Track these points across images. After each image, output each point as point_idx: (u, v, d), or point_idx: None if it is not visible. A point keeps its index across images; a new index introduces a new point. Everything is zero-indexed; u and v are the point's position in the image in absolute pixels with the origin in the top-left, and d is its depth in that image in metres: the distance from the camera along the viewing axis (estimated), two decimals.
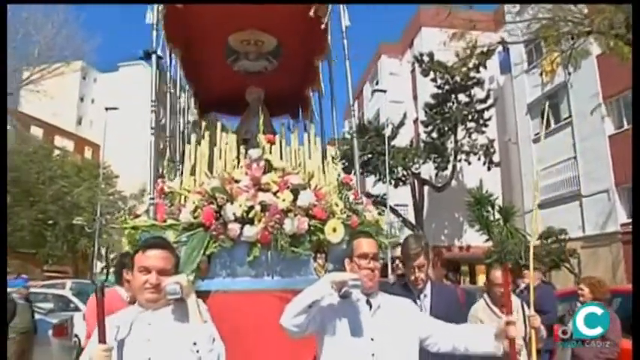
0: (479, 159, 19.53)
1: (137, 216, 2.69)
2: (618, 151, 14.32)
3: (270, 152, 2.75)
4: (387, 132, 19.87)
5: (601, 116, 13.49)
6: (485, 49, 13.09)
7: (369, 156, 19.40)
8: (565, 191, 17.20)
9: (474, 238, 18.78)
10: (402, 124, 22.08)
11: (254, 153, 2.66)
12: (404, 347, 1.90)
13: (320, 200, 2.55)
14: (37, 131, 31.27)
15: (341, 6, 3.20)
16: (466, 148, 19.66)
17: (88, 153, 39.13)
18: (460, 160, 19.96)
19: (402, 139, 21.55)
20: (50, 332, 6.77)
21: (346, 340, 1.84)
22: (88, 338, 2.18)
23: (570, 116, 17.19)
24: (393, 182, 20.41)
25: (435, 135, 20.23)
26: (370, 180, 22.63)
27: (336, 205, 2.63)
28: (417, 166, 20.80)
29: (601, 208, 15.41)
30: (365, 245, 1.98)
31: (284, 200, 2.45)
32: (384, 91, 22.07)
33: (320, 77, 4.12)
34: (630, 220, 14.66)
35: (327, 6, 3.22)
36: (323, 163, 2.96)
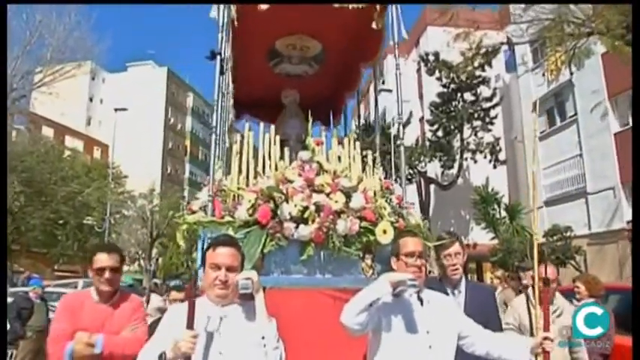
0: (485, 157, 19.57)
1: (193, 212, 2.73)
2: (624, 148, 14.29)
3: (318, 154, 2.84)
4: (393, 131, 19.97)
5: (601, 114, 13.48)
6: (490, 49, 13.16)
7: (374, 155, 19.55)
8: (571, 189, 17.21)
9: (481, 236, 18.97)
10: (407, 122, 22.15)
11: (304, 155, 2.77)
12: (452, 339, 1.98)
13: (369, 203, 2.65)
14: (47, 131, 31.72)
15: (396, 18, 3.21)
16: (472, 146, 19.71)
17: (96, 153, 39.62)
18: (466, 159, 20.01)
19: (408, 138, 21.63)
20: None
21: (404, 335, 1.90)
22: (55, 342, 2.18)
23: (576, 114, 17.18)
24: (398, 181, 20.49)
25: (440, 134, 20.30)
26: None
27: (384, 208, 2.72)
28: (422, 164, 20.88)
29: (607, 206, 15.42)
30: (411, 243, 2.05)
31: (337, 202, 2.54)
32: (390, 91, 22.15)
33: (361, 83, 4.25)
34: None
35: (385, 16, 3.27)
36: (364, 167, 3.05)
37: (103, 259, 2.29)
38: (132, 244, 27.32)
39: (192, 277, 1.89)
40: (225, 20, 3.03)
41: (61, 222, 22.83)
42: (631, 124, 14.85)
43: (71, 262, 25.41)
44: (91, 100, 45.75)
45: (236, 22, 3.10)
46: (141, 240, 27.51)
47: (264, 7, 3.09)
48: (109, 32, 53.46)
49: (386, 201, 2.83)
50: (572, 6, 9.52)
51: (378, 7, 3.22)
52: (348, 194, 2.61)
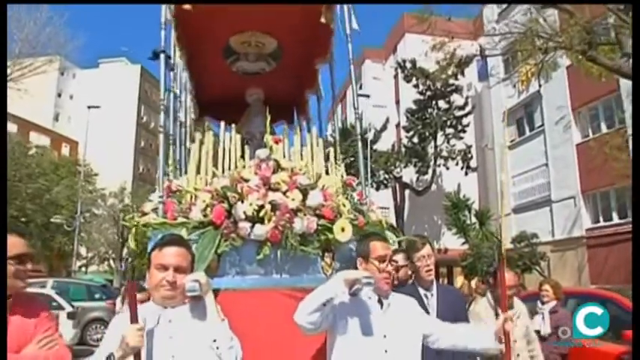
0: (457, 164, 20.13)
1: (144, 214, 2.66)
2: (584, 159, 15.06)
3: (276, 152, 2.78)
4: (370, 136, 20.27)
5: (563, 126, 14.21)
6: (463, 58, 13.61)
7: (352, 159, 19.81)
8: (537, 197, 17.93)
9: (452, 241, 19.46)
10: (384, 128, 22.55)
11: (262, 153, 2.69)
12: (412, 343, 1.95)
13: (328, 200, 2.57)
14: (11, 127, 30.53)
15: (348, 9, 3.18)
16: (445, 153, 20.25)
17: (65, 150, 38.39)
18: (439, 165, 20.54)
19: (385, 143, 22.01)
20: None
21: (359, 338, 1.86)
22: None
23: (543, 124, 17.94)
24: (374, 185, 20.83)
25: (415, 140, 20.77)
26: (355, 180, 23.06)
27: (343, 205, 2.64)
28: (398, 170, 21.29)
29: (568, 214, 16.17)
30: (381, 248, 2.00)
31: (294, 200, 2.46)
32: (368, 96, 22.52)
33: (319, 80, 4.09)
34: (594, 226, 15.47)
35: (334, 10, 3.20)
36: (326, 164, 2.99)
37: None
38: (102, 243, 26.61)
39: (131, 274, 1.86)
40: (168, 18, 2.97)
41: (23, 220, 22.02)
42: (591, 135, 15.70)
43: (35, 262, 24.52)
44: (59, 95, 44.34)
45: (173, 21, 3.05)
46: (111, 240, 26.84)
47: (187, 6, 3.01)
48: (83, 28, 51.74)
49: (346, 198, 2.76)
50: (541, 20, 10.01)
51: None
52: (305, 192, 2.53)
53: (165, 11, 2.94)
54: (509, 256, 12.77)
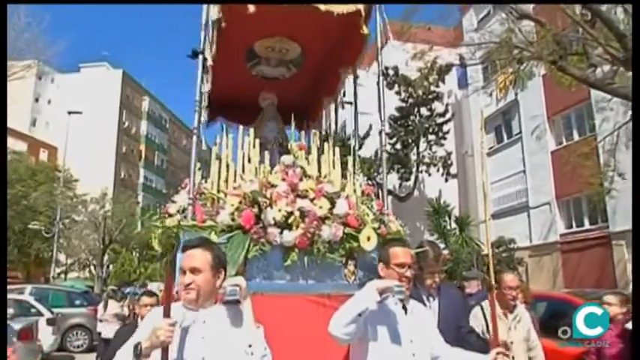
0: (437, 170, 20.49)
1: (170, 215, 2.66)
2: (559, 166, 15.57)
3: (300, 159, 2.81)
4: (353, 142, 20.45)
5: (539, 133, 14.68)
6: (443, 67, 13.96)
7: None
8: (515, 202, 18.43)
9: None
10: (367, 135, 22.80)
11: (286, 159, 2.74)
12: (430, 347, 2.05)
13: (352, 209, 2.62)
14: None
15: (380, 20, 3.27)
16: (427, 159, 20.58)
17: (43, 155, 37.64)
18: (421, 172, 20.86)
19: (368, 150, 22.24)
20: (15, 336, 6.75)
21: (389, 344, 1.93)
22: None
23: (520, 132, 18.46)
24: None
25: (398, 146, 21.06)
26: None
27: (367, 214, 2.70)
28: (381, 176, 21.50)
29: (544, 220, 16.66)
30: (402, 254, 2.06)
31: (321, 207, 2.50)
32: (351, 103, 22.72)
33: (339, 87, 4.13)
34: (567, 231, 15.97)
35: (369, 20, 3.26)
36: (345, 172, 3.01)
37: None
38: (82, 250, 26.12)
39: (169, 276, 1.82)
40: (212, 19, 2.96)
41: None
42: (564, 143, 16.26)
43: (10, 268, 23.96)
44: (37, 100, 43.49)
45: (223, 23, 3.04)
46: (92, 246, 26.37)
47: (252, 8, 2.99)
48: (62, 33, 50.91)
49: (367, 207, 2.82)
50: (517, 30, 10.40)
51: (363, 11, 3.15)
52: (332, 200, 2.59)
53: (208, 12, 2.94)
54: (487, 261, 13.06)
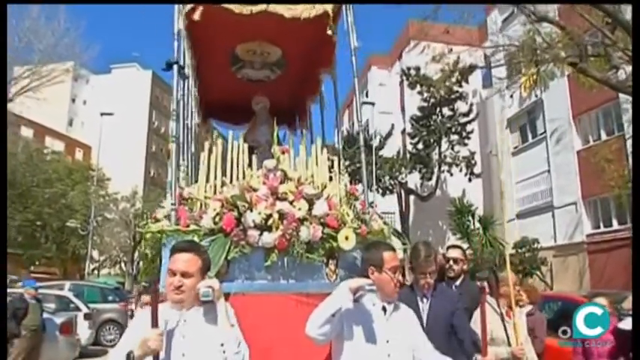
0: (460, 170, 20.38)
1: (157, 220, 2.76)
2: (585, 165, 15.28)
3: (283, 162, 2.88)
4: (375, 143, 20.62)
5: (564, 133, 14.42)
6: (466, 66, 13.94)
7: (358, 166, 20.17)
8: (540, 202, 18.16)
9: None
10: (389, 134, 22.90)
11: (269, 163, 2.79)
12: (410, 349, 2.07)
13: (332, 210, 2.66)
14: (26, 132, 31.36)
15: (350, 25, 3.29)
16: (449, 159, 20.51)
17: (78, 154, 39.25)
18: (443, 171, 20.81)
19: (390, 149, 22.35)
20: (57, 330, 7.32)
21: (364, 343, 1.97)
22: None
23: (545, 131, 18.17)
24: (380, 191, 21.16)
25: (420, 146, 21.08)
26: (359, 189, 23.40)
27: (347, 214, 2.73)
28: (403, 175, 21.60)
29: (570, 220, 16.39)
30: (394, 259, 2.11)
31: (300, 209, 2.56)
32: (373, 104, 22.86)
33: (321, 89, 4.18)
34: (594, 231, 15.66)
35: (337, 24, 3.32)
36: (330, 173, 3.06)
37: None
38: (114, 247, 27.22)
39: (154, 282, 1.92)
40: (181, 28, 3.04)
41: (39, 223, 22.67)
42: (591, 142, 15.91)
43: (49, 264, 25.25)
44: (73, 101, 45.27)
45: (185, 31, 3.09)
46: (123, 243, 27.45)
47: (225, 15, 3.06)
48: (97, 37, 52.86)
49: (350, 207, 2.87)
50: (539, 32, 10.33)
51: (331, 13, 3.21)
52: (311, 201, 2.63)
53: (179, 22, 3.02)
54: (510, 260, 13.01)
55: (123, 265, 28.07)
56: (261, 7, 3.08)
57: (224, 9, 3.06)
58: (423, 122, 20.84)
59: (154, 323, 1.73)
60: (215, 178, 2.81)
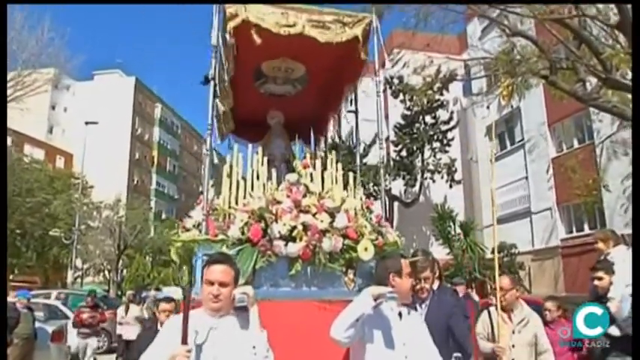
0: (442, 177, 20.89)
1: (187, 229, 2.92)
2: (559, 172, 15.93)
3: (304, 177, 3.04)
4: (360, 150, 20.91)
5: (536, 141, 14.97)
6: (447, 75, 14.40)
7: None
8: (518, 208, 18.79)
9: (439, 251, 20.19)
10: (373, 142, 23.28)
11: (291, 177, 3.00)
12: (428, 349, 2.25)
13: (351, 222, 2.85)
14: None
15: (377, 46, 3.44)
16: (431, 166, 21.01)
17: (59, 162, 38.66)
18: (426, 178, 21.29)
19: (374, 157, 22.71)
20: (49, 338, 7.39)
21: (384, 346, 2.13)
22: None
23: (523, 139, 18.82)
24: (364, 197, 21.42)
25: (404, 154, 21.53)
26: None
27: (365, 227, 2.91)
28: (387, 182, 22.02)
29: (546, 225, 17.03)
30: (408, 266, 2.33)
31: (322, 222, 2.74)
32: (355, 112, 23.21)
33: (342, 104, 4.35)
34: (568, 236, 16.31)
35: (366, 45, 3.48)
36: (346, 187, 3.22)
37: None
38: (97, 255, 26.90)
39: (186, 294, 2.01)
40: (229, 44, 3.12)
41: (19, 232, 22.29)
42: (565, 150, 16.61)
43: (29, 273, 24.81)
44: (53, 108, 44.58)
45: (235, 50, 3.19)
46: (107, 251, 27.17)
47: (257, 40, 3.12)
48: (78, 41, 52.05)
49: (366, 220, 3.02)
50: (513, 44, 10.86)
51: (361, 38, 3.36)
52: (332, 214, 2.81)
53: (218, 37, 3.08)
54: (488, 265, 13.51)
55: (107, 273, 27.71)
56: (298, 29, 3.21)
57: (261, 27, 3.14)
58: (406, 130, 21.31)
59: (184, 339, 1.83)
60: (237, 190, 2.97)
